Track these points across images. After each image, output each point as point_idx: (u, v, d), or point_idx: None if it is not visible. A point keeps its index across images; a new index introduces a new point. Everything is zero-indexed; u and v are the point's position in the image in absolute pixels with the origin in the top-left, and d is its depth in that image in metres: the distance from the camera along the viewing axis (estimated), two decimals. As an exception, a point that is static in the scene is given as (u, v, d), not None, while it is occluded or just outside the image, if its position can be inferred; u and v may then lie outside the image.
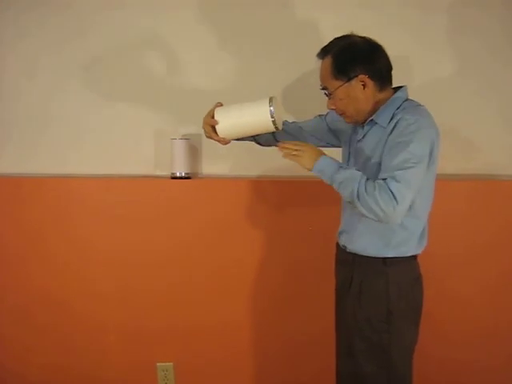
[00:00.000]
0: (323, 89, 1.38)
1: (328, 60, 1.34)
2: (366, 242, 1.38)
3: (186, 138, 1.92)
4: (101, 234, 1.94)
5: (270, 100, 1.32)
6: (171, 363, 1.98)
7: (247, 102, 1.36)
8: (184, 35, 1.94)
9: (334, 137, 1.58)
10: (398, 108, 1.32)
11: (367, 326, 1.36)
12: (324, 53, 1.36)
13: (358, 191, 1.23)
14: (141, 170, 1.99)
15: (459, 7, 1.90)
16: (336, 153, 1.56)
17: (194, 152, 1.97)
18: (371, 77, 1.32)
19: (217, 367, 1.98)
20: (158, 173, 2.00)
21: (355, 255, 1.41)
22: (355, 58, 1.32)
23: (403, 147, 1.24)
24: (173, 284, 1.94)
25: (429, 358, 1.89)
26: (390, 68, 1.37)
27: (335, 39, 1.36)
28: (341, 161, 1.51)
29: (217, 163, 1.99)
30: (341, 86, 1.32)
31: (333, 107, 1.38)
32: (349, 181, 1.26)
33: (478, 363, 1.93)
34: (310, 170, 1.32)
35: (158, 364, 1.99)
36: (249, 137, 1.51)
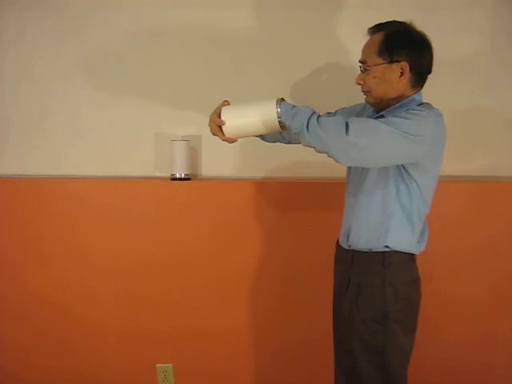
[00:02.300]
0: (361, 62, 1.38)
1: (379, 36, 1.34)
2: (364, 231, 1.38)
3: (185, 139, 1.92)
4: (100, 235, 1.94)
5: (277, 101, 1.30)
6: (171, 364, 1.98)
7: (254, 102, 1.35)
8: (184, 36, 1.94)
9: None
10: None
11: (363, 327, 1.36)
12: (377, 29, 1.36)
13: (308, 120, 1.23)
14: (140, 171, 1.99)
15: (459, 7, 1.90)
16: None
17: (193, 153, 1.96)
18: (411, 68, 1.32)
19: (216, 368, 1.98)
20: (158, 174, 1.99)
21: (354, 253, 1.41)
22: (405, 44, 1.32)
23: (397, 118, 1.25)
24: (172, 285, 1.94)
25: (427, 361, 1.89)
26: (429, 71, 1.38)
27: (393, 21, 1.36)
28: None
29: (216, 164, 1.99)
30: (381, 64, 1.32)
31: (361, 82, 1.38)
32: (302, 113, 1.26)
33: (476, 366, 1.93)
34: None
35: (157, 365, 1.98)
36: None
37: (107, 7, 1.93)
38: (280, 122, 1.30)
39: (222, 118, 1.34)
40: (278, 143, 1.60)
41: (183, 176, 1.90)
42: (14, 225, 1.95)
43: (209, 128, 1.39)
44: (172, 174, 1.91)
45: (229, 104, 1.38)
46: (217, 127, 1.36)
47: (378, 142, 1.23)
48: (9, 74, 1.98)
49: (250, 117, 1.33)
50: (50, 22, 1.95)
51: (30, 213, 1.93)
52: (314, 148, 1.26)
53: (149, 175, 2.00)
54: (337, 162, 1.25)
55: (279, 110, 1.29)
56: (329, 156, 1.25)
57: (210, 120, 1.38)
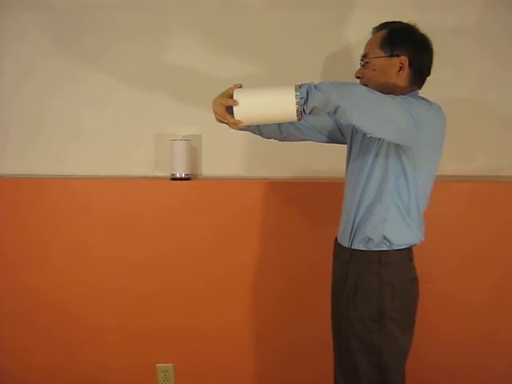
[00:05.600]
0: (363, 56, 1.40)
1: (382, 32, 1.38)
2: (362, 223, 1.37)
3: (186, 139, 1.92)
4: (100, 234, 1.94)
5: (296, 89, 1.21)
6: (171, 364, 1.98)
7: (270, 88, 1.25)
8: (185, 36, 1.94)
9: (339, 132, 1.57)
10: None
11: (360, 325, 1.37)
12: (382, 27, 1.40)
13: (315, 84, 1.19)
14: (141, 171, 1.99)
15: (459, 7, 1.90)
16: (339, 149, 1.59)
17: (193, 153, 1.97)
18: (411, 64, 1.34)
19: (217, 368, 1.98)
20: (158, 174, 2.00)
21: (352, 251, 1.41)
22: (407, 40, 1.35)
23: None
24: (172, 285, 1.94)
25: (426, 361, 1.89)
26: (428, 73, 1.40)
27: (398, 21, 1.40)
28: (345, 158, 1.52)
29: (216, 164, 1.99)
30: (381, 57, 1.35)
31: (360, 75, 1.40)
32: (309, 83, 1.20)
33: (476, 366, 1.93)
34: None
35: (157, 365, 1.99)
36: (256, 126, 1.46)
37: (107, 7, 1.93)
38: (297, 111, 1.20)
39: (235, 98, 1.23)
40: (273, 140, 1.56)
41: (183, 176, 1.91)
42: (14, 225, 1.95)
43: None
44: (172, 174, 1.91)
45: (241, 87, 1.28)
46: (224, 109, 1.25)
47: (385, 100, 1.23)
48: (9, 74, 1.98)
49: (265, 101, 1.24)
50: (49, 22, 1.95)
51: (30, 213, 1.94)
52: (324, 104, 1.18)
53: (149, 175, 2.00)
54: (344, 115, 1.20)
55: (298, 93, 1.20)
56: (337, 111, 1.19)
57: (217, 102, 1.27)
